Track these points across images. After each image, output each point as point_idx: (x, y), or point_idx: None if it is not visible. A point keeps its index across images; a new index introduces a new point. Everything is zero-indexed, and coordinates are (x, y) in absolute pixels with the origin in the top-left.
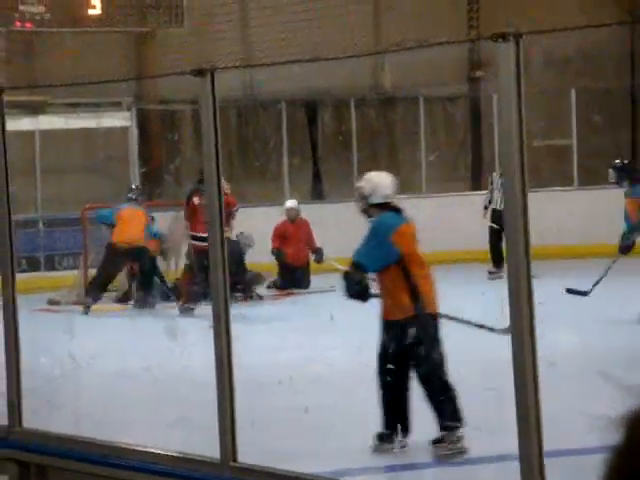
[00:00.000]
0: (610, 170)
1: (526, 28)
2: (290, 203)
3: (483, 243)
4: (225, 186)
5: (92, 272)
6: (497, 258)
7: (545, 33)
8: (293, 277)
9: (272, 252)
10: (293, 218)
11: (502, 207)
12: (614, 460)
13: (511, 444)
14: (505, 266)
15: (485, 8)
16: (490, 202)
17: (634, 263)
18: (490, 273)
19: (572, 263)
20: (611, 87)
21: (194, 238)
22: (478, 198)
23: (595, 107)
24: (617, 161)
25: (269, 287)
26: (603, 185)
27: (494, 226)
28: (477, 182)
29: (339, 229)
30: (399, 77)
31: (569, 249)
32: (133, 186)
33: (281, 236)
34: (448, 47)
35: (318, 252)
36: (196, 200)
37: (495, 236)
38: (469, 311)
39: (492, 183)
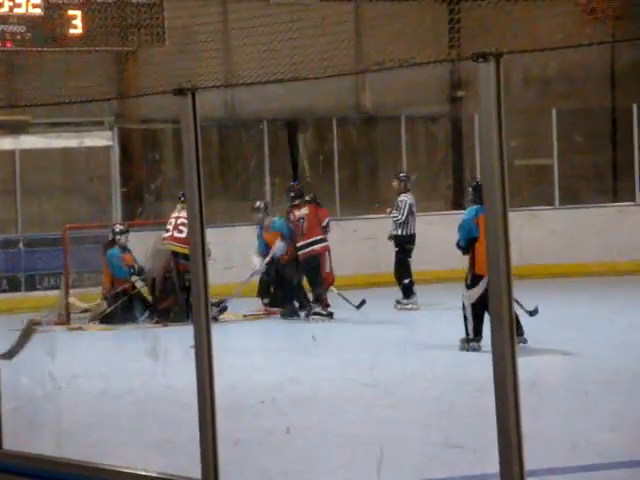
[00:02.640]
0: None
1: (507, 48)
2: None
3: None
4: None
5: (73, 292)
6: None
7: (526, 53)
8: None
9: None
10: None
11: (393, 232)
12: None
13: (493, 463)
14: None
15: (466, 28)
16: None
17: (619, 281)
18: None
19: (553, 282)
20: (592, 107)
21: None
22: (460, 217)
23: (576, 127)
24: None
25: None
26: (584, 204)
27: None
28: (459, 201)
29: None
30: (381, 97)
31: (550, 268)
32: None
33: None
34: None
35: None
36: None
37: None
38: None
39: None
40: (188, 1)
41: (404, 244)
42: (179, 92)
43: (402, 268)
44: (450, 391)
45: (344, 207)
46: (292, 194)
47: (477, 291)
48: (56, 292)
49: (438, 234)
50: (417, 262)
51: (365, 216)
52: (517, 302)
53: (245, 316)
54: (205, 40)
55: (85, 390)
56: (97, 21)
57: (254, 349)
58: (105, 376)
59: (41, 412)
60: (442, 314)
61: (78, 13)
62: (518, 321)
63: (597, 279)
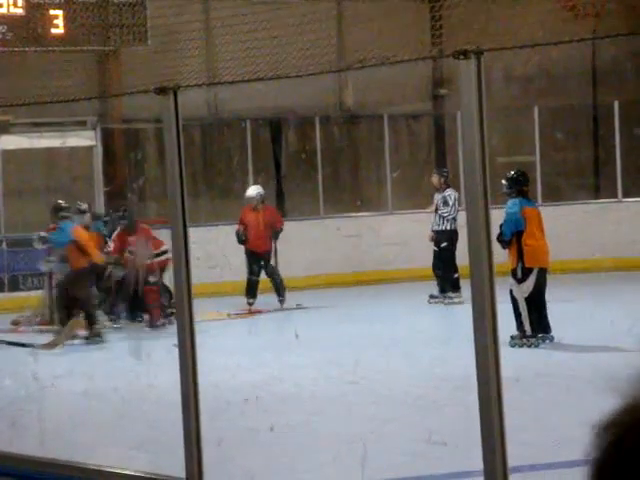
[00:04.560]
0: None
1: (488, 45)
2: (250, 192)
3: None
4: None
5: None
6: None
7: (507, 50)
8: (255, 264)
9: (236, 234)
10: (254, 207)
11: (440, 227)
12: (594, 472)
13: (477, 460)
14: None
15: (448, 26)
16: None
17: (601, 277)
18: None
19: None
20: (573, 104)
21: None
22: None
23: (558, 124)
24: None
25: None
26: (566, 201)
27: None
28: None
29: (302, 246)
30: (363, 95)
31: None
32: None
33: (242, 223)
34: (412, 65)
35: (275, 234)
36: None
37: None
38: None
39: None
40: (170, 0)
41: (454, 238)
42: (161, 91)
43: (450, 262)
44: (433, 388)
45: (327, 205)
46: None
47: (530, 284)
48: (39, 292)
49: (422, 232)
50: (400, 259)
51: (348, 214)
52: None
53: (229, 315)
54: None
55: (68, 390)
56: (79, 21)
57: (238, 348)
58: (88, 376)
59: (25, 412)
60: (424, 311)
61: (60, 13)
62: (546, 318)
63: (579, 276)
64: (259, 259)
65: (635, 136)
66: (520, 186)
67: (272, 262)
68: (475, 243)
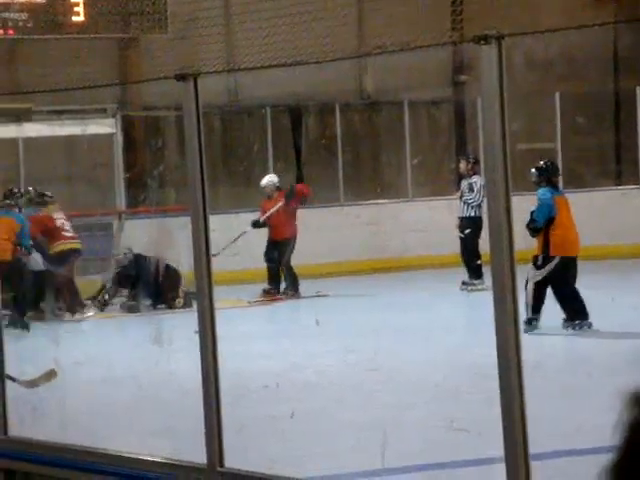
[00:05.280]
0: None
1: (509, 30)
2: (264, 181)
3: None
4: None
5: (78, 279)
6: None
7: (528, 35)
8: (272, 251)
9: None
10: (269, 195)
11: (464, 214)
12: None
13: (498, 446)
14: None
15: (468, 11)
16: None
17: (622, 264)
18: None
19: None
20: (595, 90)
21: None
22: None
23: (579, 110)
24: None
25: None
26: (587, 188)
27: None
28: (459, 186)
29: (322, 233)
30: (383, 82)
31: None
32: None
33: (262, 212)
34: (432, 51)
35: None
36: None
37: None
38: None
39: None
40: None
41: (478, 225)
42: (181, 78)
43: (474, 249)
44: (453, 375)
45: (347, 192)
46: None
47: (543, 272)
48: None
49: (442, 218)
50: (420, 247)
51: (368, 201)
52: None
53: (250, 302)
54: (207, 25)
55: (88, 377)
56: (99, 8)
57: (258, 335)
58: (108, 363)
59: (45, 399)
60: (444, 298)
61: (80, 0)
62: (583, 305)
63: (600, 262)
64: (276, 247)
65: None
66: (549, 175)
67: (289, 254)
68: (496, 229)
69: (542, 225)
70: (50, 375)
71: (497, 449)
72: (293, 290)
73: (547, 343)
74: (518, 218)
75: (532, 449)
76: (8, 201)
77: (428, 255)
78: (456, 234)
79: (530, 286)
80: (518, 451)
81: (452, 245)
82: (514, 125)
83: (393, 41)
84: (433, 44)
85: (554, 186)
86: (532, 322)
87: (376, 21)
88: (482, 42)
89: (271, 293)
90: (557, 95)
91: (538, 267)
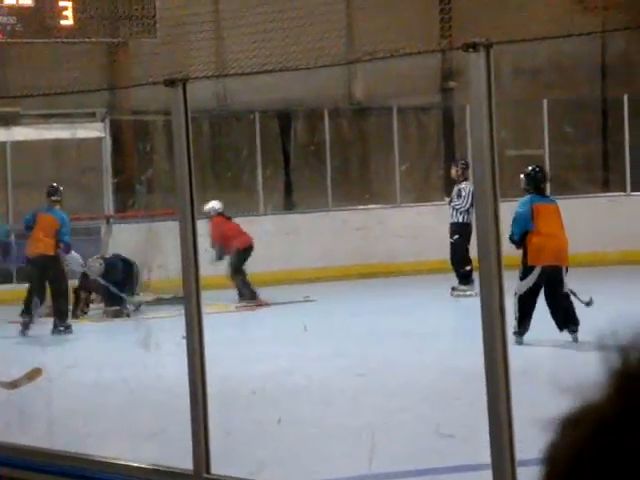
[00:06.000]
0: None
1: (497, 38)
2: (207, 207)
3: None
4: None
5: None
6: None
7: (516, 43)
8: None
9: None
10: (210, 218)
11: (453, 219)
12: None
13: (484, 452)
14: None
15: (457, 18)
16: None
17: (609, 271)
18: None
19: None
20: (583, 97)
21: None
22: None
23: (567, 117)
24: None
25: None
26: (575, 195)
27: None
28: (451, 192)
29: (310, 238)
30: (372, 88)
31: None
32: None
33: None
34: (421, 57)
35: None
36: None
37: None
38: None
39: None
40: None
41: (467, 231)
42: (170, 83)
43: (463, 255)
44: (442, 381)
45: (335, 198)
46: None
47: (527, 283)
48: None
49: (430, 224)
50: (408, 252)
51: (356, 206)
52: (573, 293)
53: (237, 307)
54: (196, 31)
55: (77, 381)
56: (88, 12)
57: (245, 340)
58: (97, 367)
59: (32, 403)
60: (433, 304)
61: (69, 4)
62: (574, 312)
63: (587, 269)
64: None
65: None
66: (537, 182)
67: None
68: (483, 236)
69: (518, 239)
70: (33, 374)
71: (484, 455)
72: (251, 298)
73: (534, 349)
74: (507, 225)
75: (519, 455)
76: (53, 198)
77: (416, 261)
78: (447, 239)
79: (515, 299)
80: (505, 457)
81: (440, 251)
82: (502, 132)
83: (382, 47)
84: (423, 51)
85: (541, 193)
86: (517, 335)
87: (365, 27)
88: (471, 50)
89: (254, 299)
90: (545, 102)
91: (521, 278)
